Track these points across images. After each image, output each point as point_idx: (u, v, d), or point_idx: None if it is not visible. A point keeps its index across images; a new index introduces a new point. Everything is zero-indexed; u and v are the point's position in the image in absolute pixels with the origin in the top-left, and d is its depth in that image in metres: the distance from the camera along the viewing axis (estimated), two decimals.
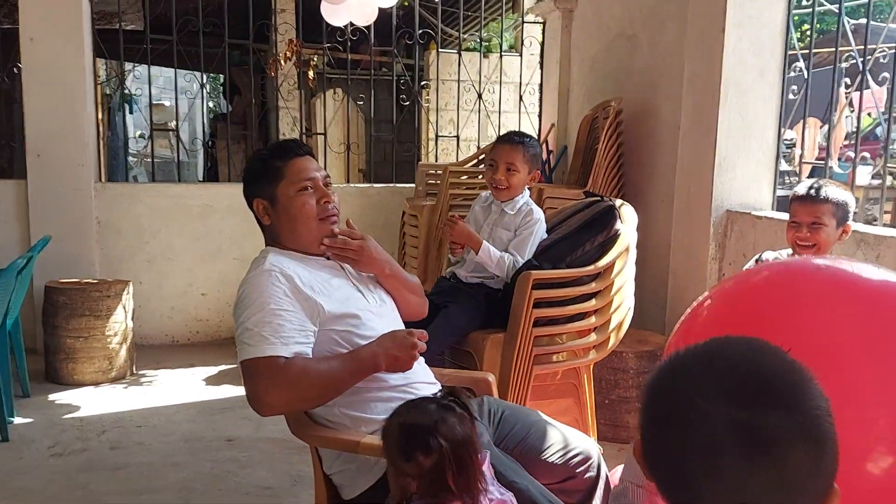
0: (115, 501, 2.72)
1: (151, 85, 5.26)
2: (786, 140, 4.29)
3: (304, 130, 6.27)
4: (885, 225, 3.04)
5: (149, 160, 5.46)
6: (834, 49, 3.17)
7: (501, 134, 2.89)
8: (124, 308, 4.13)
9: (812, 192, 2.23)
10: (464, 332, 2.57)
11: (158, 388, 4.03)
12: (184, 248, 4.81)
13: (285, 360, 1.63)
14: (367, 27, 5.16)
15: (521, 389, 2.37)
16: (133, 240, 4.72)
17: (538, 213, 2.68)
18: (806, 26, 7.51)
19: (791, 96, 3.43)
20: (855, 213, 2.34)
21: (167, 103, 11.03)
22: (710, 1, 3.43)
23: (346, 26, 5.15)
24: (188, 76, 5.43)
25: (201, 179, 11.05)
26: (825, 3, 3.22)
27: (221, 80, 11.49)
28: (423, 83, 6.13)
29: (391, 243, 4.86)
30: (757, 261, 2.42)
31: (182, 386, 4.04)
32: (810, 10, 3.29)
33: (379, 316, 1.86)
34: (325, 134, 5.33)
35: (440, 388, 1.92)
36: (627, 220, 2.67)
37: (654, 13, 4.11)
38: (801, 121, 4.75)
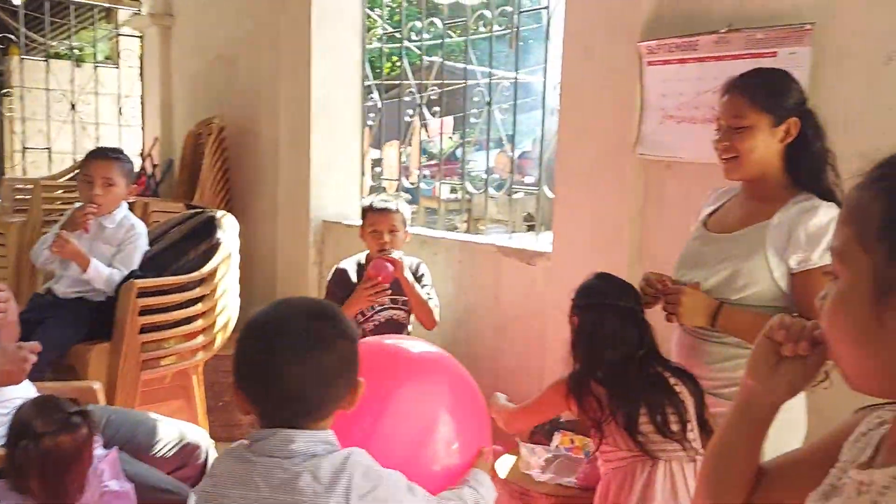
0: None
1: None
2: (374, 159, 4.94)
3: None
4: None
5: None
6: (399, 83, 3.83)
7: (92, 150, 2.86)
8: None
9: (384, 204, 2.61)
10: (65, 347, 2.53)
11: None
12: None
13: None
14: None
15: (130, 395, 2.44)
16: None
17: (140, 226, 2.76)
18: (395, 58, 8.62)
19: (369, 123, 4.02)
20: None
21: None
22: (298, 33, 3.86)
23: None
24: None
25: None
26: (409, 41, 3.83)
27: None
28: (4, 91, 5.56)
29: None
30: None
31: None
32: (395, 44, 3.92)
33: None
34: None
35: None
36: (228, 229, 2.90)
37: (252, 39, 4.40)
38: (387, 142, 5.56)
